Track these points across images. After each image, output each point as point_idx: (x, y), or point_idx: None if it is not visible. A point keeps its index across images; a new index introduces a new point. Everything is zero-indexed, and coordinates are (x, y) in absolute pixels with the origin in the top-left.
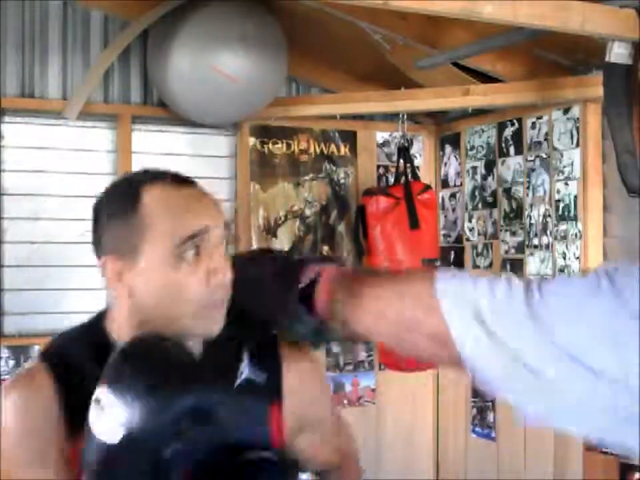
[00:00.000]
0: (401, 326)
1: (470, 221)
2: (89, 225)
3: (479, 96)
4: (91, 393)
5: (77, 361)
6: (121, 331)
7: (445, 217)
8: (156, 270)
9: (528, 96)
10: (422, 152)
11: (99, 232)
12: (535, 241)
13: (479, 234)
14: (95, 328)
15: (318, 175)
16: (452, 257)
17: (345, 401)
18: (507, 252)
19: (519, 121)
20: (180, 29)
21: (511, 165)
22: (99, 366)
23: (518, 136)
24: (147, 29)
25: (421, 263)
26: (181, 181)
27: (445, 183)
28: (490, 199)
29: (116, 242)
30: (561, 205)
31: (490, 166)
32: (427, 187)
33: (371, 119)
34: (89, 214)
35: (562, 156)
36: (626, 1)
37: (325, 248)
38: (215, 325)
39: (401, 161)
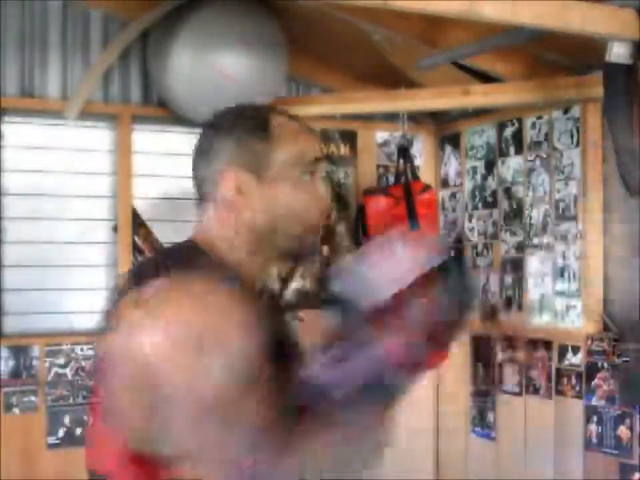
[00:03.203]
0: None
1: (470, 220)
2: (88, 225)
3: (479, 96)
4: None
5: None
6: (225, 248)
7: (445, 216)
8: (279, 186)
9: (528, 96)
10: (422, 152)
11: (218, 146)
12: (535, 241)
13: (479, 234)
14: (189, 250)
15: None
16: None
17: None
18: (507, 252)
19: (519, 121)
20: (180, 29)
21: (511, 165)
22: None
23: (518, 136)
24: (147, 28)
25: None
26: (294, 117)
27: (445, 183)
28: (490, 199)
29: (243, 157)
30: (561, 205)
31: (490, 166)
32: (427, 187)
33: (370, 119)
34: (89, 214)
35: (562, 156)
36: (626, 1)
37: (325, 248)
38: (310, 246)
39: (401, 160)
